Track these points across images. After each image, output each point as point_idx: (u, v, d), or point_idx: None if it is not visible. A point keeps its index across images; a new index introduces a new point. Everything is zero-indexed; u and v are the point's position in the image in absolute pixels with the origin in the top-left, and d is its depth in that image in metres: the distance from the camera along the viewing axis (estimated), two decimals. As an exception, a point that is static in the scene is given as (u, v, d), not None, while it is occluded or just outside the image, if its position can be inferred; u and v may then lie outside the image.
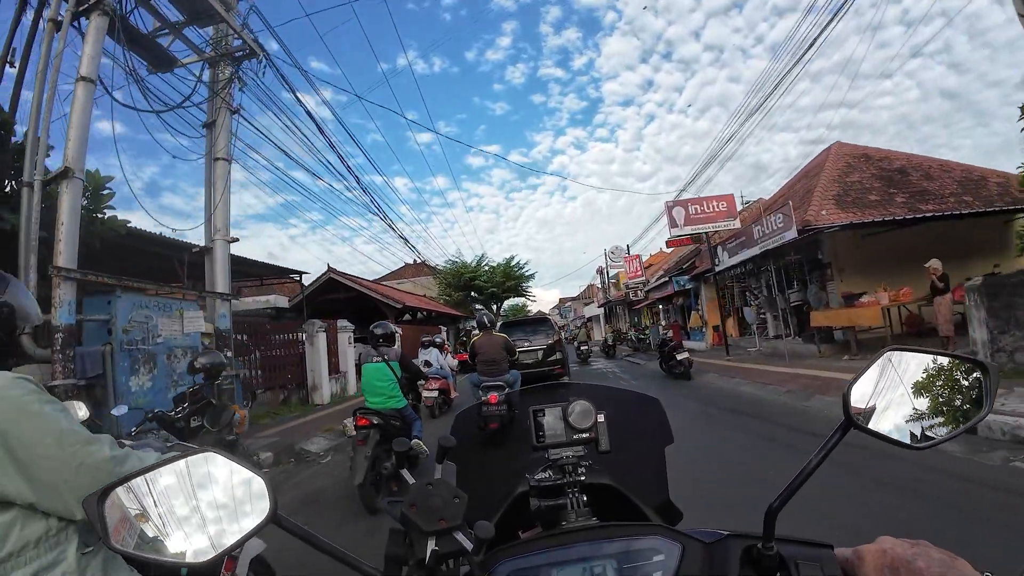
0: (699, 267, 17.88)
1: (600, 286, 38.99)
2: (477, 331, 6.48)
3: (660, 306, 22.07)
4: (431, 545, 0.68)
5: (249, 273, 15.69)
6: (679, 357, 10.67)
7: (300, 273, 16.84)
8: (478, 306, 39.22)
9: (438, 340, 10.49)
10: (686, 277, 18.46)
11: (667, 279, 19.19)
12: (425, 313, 26.59)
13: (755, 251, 12.16)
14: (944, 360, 0.68)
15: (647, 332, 21.32)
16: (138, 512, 0.61)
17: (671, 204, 14.94)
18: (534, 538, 0.81)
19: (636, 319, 28.45)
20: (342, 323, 13.85)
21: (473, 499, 0.77)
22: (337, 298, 19.95)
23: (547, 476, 1.01)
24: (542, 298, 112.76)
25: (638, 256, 24.33)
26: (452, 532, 0.69)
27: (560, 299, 77.28)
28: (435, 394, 8.83)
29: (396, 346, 5.00)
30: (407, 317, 26.00)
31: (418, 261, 30.49)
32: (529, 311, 66.81)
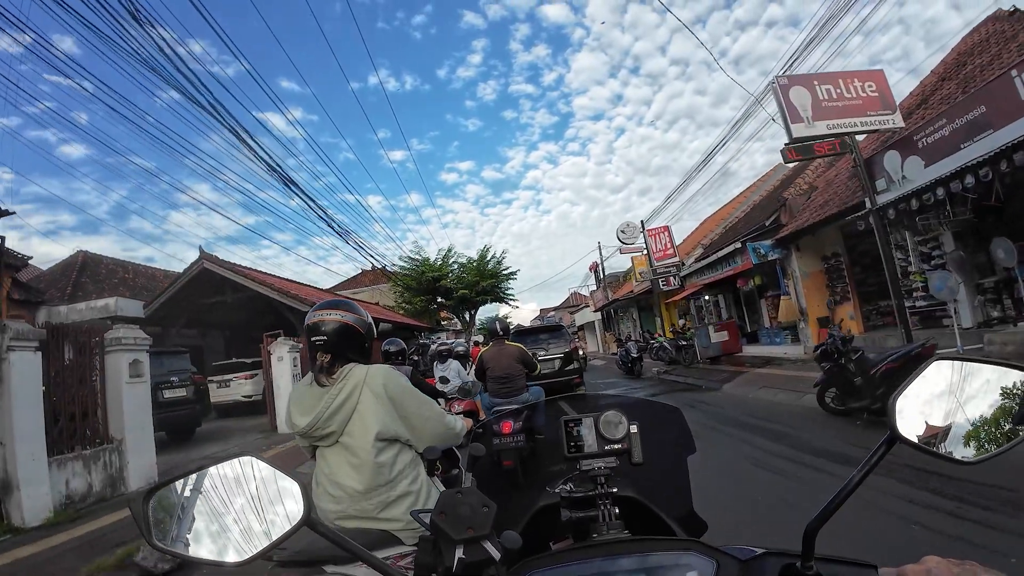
0: (791, 223, 11.04)
1: (595, 285, 32.12)
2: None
3: (705, 297, 15.30)
4: (459, 553, 0.68)
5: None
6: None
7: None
8: (443, 316, 31.70)
9: (459, 349, 8.78)
10: (768, 243, 11.64)
11: (735, 247, 12.13)
12: (389, 325, 19.64)
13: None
14: (996, 369, 0.64)
15: (690, 336, 14.32)
16: (181, 513, 0.64)
17: (784, 82, 8.11)
18: (565, 549, 0.84)
19: (656, 321, 21.45)
20: (114, 335, 6.43)
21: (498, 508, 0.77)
22: (222, 301, 14.28)
23: (577, 487, 1.02)
24: (518, 312, 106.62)
25: (667, 228, 16.51)
26: (480, 541, 0.69)
27: (541, 310, 71.67)
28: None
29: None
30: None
31: (376, 267, 22.99)
32: (510, 321, 60.67)
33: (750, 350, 13.93)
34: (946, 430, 0.62)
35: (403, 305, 26.94)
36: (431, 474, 1.26)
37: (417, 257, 25.51)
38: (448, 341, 16.16)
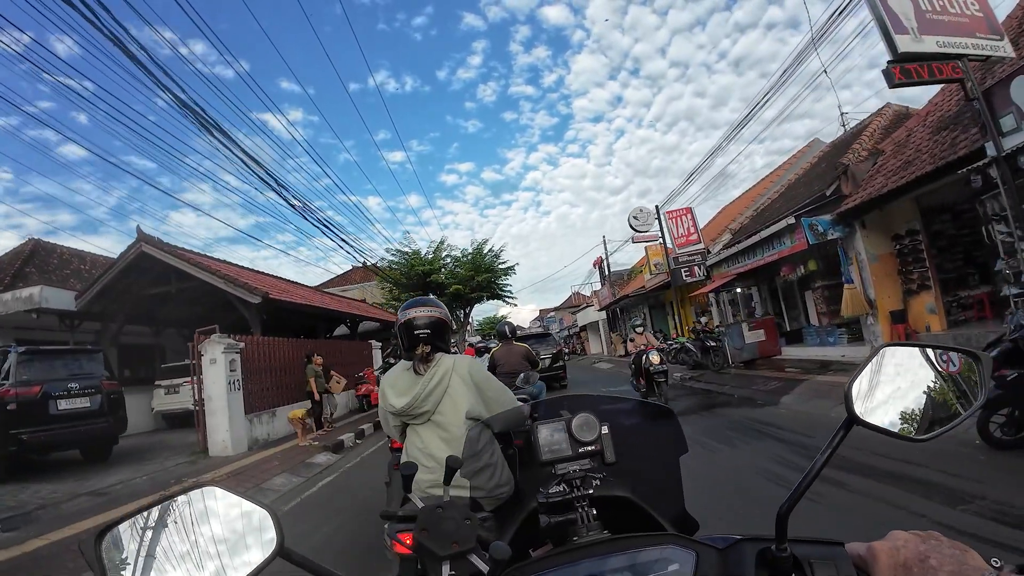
0: (854, 194, 8.86)
1: (600, 282, 29.89)
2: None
3: (738, 289, 13.00)
4: (446, 570, 0.69)
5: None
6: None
7: None
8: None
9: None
10: (827, 218, 9.38)
11: (788, 222, 9.60)
12: (379, 323, 18.69)
13: None
14: (940, 353, 0.69)
15: (719, 335, 12.05)
16: (140, 552, 0.59)
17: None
18: (545, 556, 0.81)
19: (669, 320, 19.18)
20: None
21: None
22: (166, 292, 12.12)
23: (558, 491, 0.99)
24: (517, 313, 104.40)
25: (690, 210, 14.11)
26: (466, 555, 0.69)
27: (540, 311, 69.63)
28: None
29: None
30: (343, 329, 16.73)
31: (363, 264, 20.82)
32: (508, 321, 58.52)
33: (791, 352, 11.68)
34: (899, 411, 0.66)
35: (392, 303, 24.73)
36: (407, 491, 1.18)
37: (406, 249, 23.27)
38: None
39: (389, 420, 1.95)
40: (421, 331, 1.84)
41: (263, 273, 15.17)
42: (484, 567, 0.67)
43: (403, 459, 1.88)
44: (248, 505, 0.62)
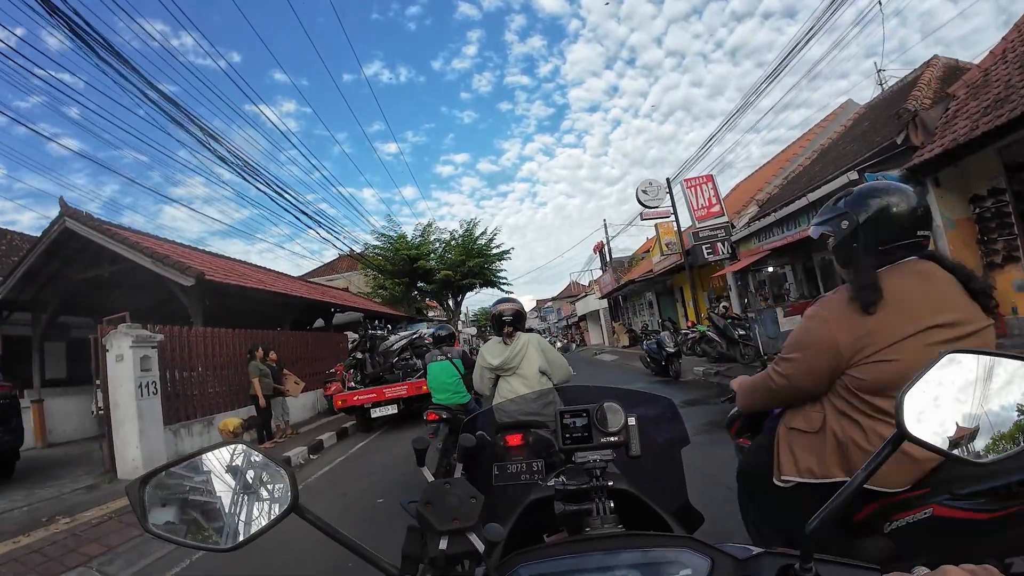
0: (928, 144, 7.14)
1: (601, 269, 28.18)
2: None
3: (769, 268, 11.11)
4: (443, 544, 0.68)
5: None
6: None
7: None
8: (430, 305, 27.65)
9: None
10: (895, 174, 7.56)
11: (849, 177, 7.61)
12: (362, 313, 16.73)
13: None
14: (1012, 363, 0.61)
15: (747, 323, 10.27)
16: (175, 498, 0.66)
17: None
18: (558, 543, 0.85)
19: (679, 308, 17.39)
20: None
21: (488, 501, 0.77)
22: (99, 275, 10.35)
23: (573, 480, 0.99)
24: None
25: (711, 178, 12.08)
26: (465, 533, 0.69)
27: (537, 301, 67.96)
28: None
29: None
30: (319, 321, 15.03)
31: (353, 251, 19.05)
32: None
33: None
34: (958, 427, 0.59)
35: (379, 291, 22.88)
36: (420, 465, 1.17)
37: (391, 233, 21.37)
38: (429, 331, 12.07)
39: (484, 376, 3.00)
40: (506, 318, 2.96)
41: (224, 257, 13.29)
42: (480, 546, 0.67)
43: (495, 400, 2.88)
44: (271, 464, 0.68)
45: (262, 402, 7.49)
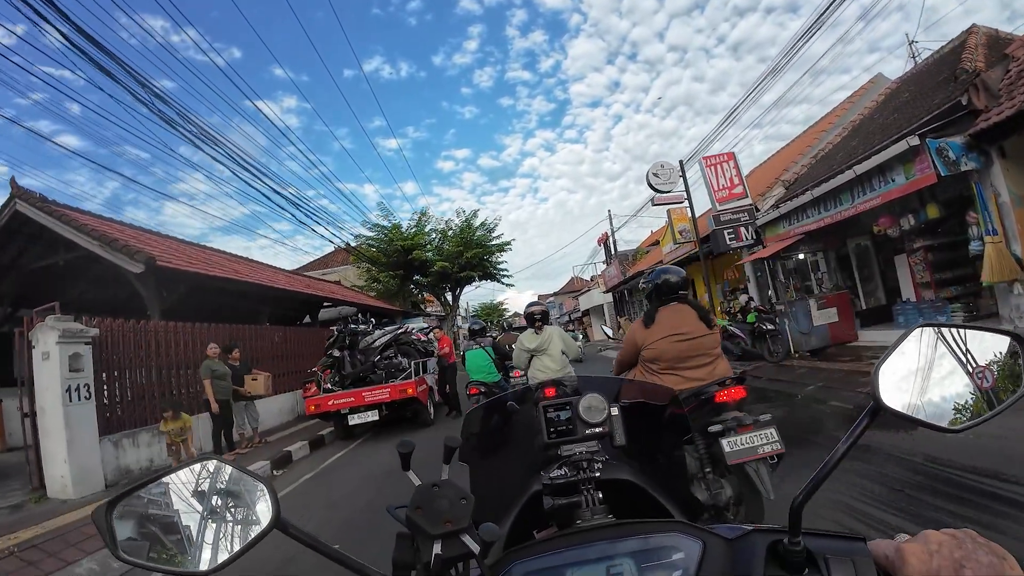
0: (995, 108, 6.05)
1: (606, 262, 27.18)
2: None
3: (800, 256, 9.92)
4: (437, 549, 0.65)
5: None
6: None
7: None
8: (428, 300, 26.63)
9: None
10: (957, 140, 6.48)
11: (907, 145, 6.35)
12: (354, 307, 15.34)
13: None
14: (978, 335, 0.62)
15: (775, 316, 9.20)
16: (146, 522, 0.60)
17: None
18: (548, 538, 0.79)
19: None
20: None
21: (487, 499, 0.78)
22: (54, 264, 9.23)
23: (561, 473, 0.98)
24: (515, 299, 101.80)
25: (732, 156, 10.85)
26: (458, 534, 0.66)
27: (538, 296, 66.94)
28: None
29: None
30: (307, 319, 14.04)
31: (348, 244, 18.09)
32: (505, 308, 55.77)
33: (871, 336, 8.89)
34: (930, 398, 0.60)
35: (373, 284, 21.85)
36: (406, 469, 0.96)
37: (384, 223, 20.29)
38: (418, 326, 11.06)
39: (522, 356, 4.36)
40: (537, 316, 4.34)
41: (199, 246, 12.26)
42: (475, 547, 0.64)
43: (529, 375, 4.35)
44: (246, 479, 0.63)
45: (214, 407, 6.46)
